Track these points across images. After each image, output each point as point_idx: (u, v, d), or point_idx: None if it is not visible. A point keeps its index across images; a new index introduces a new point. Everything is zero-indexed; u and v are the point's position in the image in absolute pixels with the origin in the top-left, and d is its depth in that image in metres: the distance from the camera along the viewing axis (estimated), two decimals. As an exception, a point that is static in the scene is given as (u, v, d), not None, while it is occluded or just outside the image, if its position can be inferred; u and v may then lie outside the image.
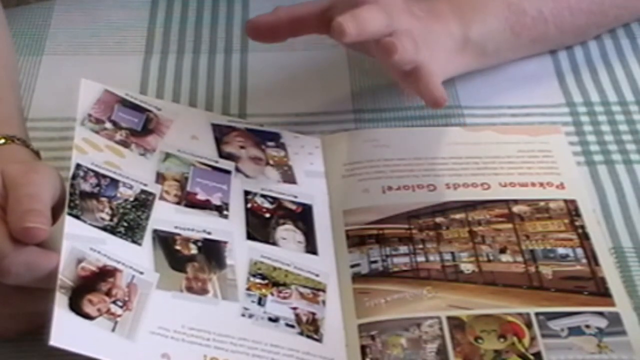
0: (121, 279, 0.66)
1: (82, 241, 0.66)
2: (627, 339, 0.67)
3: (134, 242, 0.69)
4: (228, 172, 0.77)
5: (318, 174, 0.79)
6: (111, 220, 0.70)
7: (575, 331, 0.68)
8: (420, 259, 0.73)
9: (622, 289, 0.71)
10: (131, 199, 0.72)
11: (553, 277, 0.72)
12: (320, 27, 0.79)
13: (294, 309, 0.70)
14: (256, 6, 0.97)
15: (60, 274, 0.63)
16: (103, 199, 0.70)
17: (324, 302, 0.71)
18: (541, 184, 0.78)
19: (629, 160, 0.81)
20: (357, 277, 0.73)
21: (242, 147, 0.79)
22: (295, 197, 0.77)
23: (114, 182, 0.72)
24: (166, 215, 0.72)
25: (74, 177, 0.70)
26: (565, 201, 0.77)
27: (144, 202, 0.72)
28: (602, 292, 0.70)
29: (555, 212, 0.76)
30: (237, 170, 0.78)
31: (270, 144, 0.81)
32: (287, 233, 0.75)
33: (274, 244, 0.74)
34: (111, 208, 0.70)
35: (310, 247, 0.74)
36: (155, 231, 0.71)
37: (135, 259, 0.68)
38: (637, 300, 0.71)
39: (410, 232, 0.75)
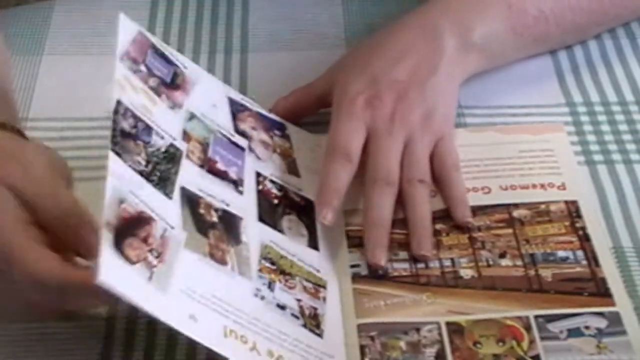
0: (156, 228, 0.64)
1: (123, 181, 0.64)
2: (627, 338, 0.67)
3: (165, 194, 0.67)
4: (242, 148, 0.76)
5: (318, 172, 0.79)
6: (146, 166, 0.67)
7: (574, 333, 0.68)
8: (420, 265, 0.73)
9: (622, 288, 0.71)
10: (162, 149, 0.70)
11: (553, 279, 0.72)
12: (321, 107, 0.82)
13: (298, 300, 0.70)
14: (256, 6, 0.97)
15: (104, 212, 0.61)
16: (139, 142, 0.68)
17: (324, 298, 0.71)
18: (542, 186, 0.78)
19: (629, 160, 0.81)
20: (356, 278, 0.73)
21: (253, 129, 0.79)
22: (300, 189, 0.77)
23: (148, 129, 0.69)
24: (191, 176, 0.71)
25: (115, 112, 0.67)
26: (566, 202, 0.77)
27: (172, 156, 0.70)
28: (602, 293, 0.70)
29: (555, 215, 0.76)
30: (250, 149, 0.77)
31: (277, 132, 0.81)
32: (292, 224, 0.75)
33: (281, 231, 0.74)
34: (146, 154, 0.68)
35: (312, 243, 0.74)
36: (182, 188, 0.69)
37: (167, 211, 0.66)
38: (637, 300, 0.71)
39: (409, 238, 0.75)
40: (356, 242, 0.75)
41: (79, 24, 0.95)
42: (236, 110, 0.79)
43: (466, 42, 0.81)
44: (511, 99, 0.86)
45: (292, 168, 0.79)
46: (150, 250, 0.63)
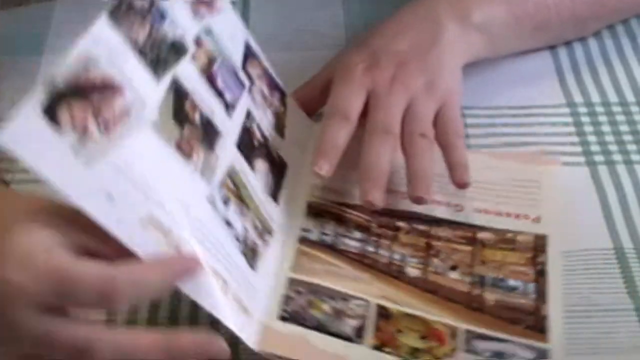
0: (121, 99, 0.60)
1: (104, 47, 0.60)
2: None
3: (155, 74, 0.64)
4: (243, 85, 0.76)
5: (303, 147, 0.79)
6: (144, 45, 0.64)
7: (498, 356, 0.67)
8: (370, 248, 0.73)
9: (560, 329, 0.68)
10: (169, 37, 0.67)
11: (495, 304, 0.70)
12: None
13: (245, 229, 0.69)
14: (256, 6, 0.97)
15: (56, 66, 0.57)
16: (147, 23, 0.65)
17: (268, 243, 0.71)
18: (517, 216, 0.76)
19: (630, 161, 0.81)
20: (304, 240, 0.73)
21: (258, 77, 0.78)
22: (279, 150, 0.77)
23: (163, 15, 0.67)
24: (190, 75, 0.69)
25: None
26: (536, 236, 0.74)
27: (178, 48, 0.68)
28: (539, 328, 0.68)
29: (520, 245, 0.74)
30: (250, 91, 0.76)
31: (277, 95, 0.80)
32: (264, 170, 0.75)
33: (253, 169, 0.73)
34: (150, 35, 0.65)
35: (274, 195, 0.75)
36: (176, 79, 0.67)
37: (148, 90, 0.63)
38: (637, 300, 0.71)
39: (369, 224, 0.75)
40: (315, 211, 0.75)
41: (79, 24, 0.95)
42: (250, 54, 0.78)
43: (465, 24, 0.81)
44: (512, 100, 0.86)
45: (279, 128, 0.78)
46: (97, 119, 0.58)
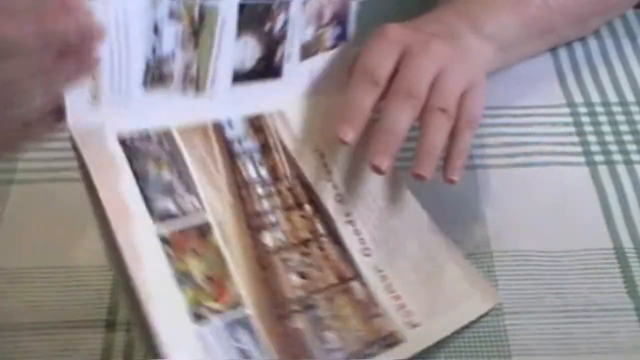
0: None
1: None
2: None
3: None
4: None
5: (317, 86, 0.74)
6: None
7: (243, 353, 0.60)
8: (259, 191, 0.67)
9: None
10: None
11: (293, 331, 0.62)
12: None
13: (172, 57, 0.63)
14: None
15: None
16: None
17: (185, 92, 0.65)
18: (403, 306, 0.66)
19: (630, 161, 0.81)
20: (218, 128, 0.67)
21: (321, 3, 0.72)
22: (286, 61, 0.71)
23: None
24: None
25: None
26: (392, 333, 0.65)
27: None
28: None
29: (372, 327, 0.65)
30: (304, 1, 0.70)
31: (334, 31, 0.74)
32: (250, 50, 0.68)
33: (239, 37, 0.67)
34: None
35: (241, 78, 0.68)
36: None
37: None
38: (637, 300, 0.71)
39: (282, 180, 0.69)
40: (254, 125, 0.69)
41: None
42: None
43: (478, 35, 0.81)
44: (512, 99, 0.87)
45: (305, 51, 0.72)
46: None
